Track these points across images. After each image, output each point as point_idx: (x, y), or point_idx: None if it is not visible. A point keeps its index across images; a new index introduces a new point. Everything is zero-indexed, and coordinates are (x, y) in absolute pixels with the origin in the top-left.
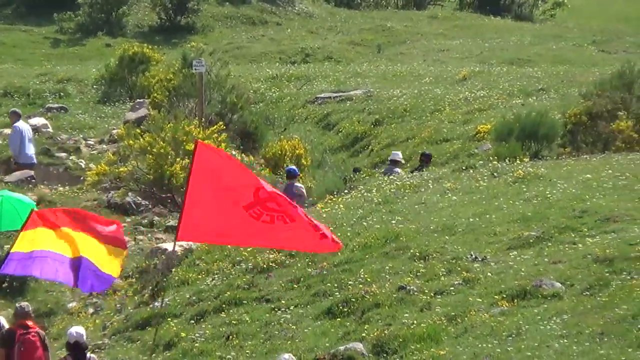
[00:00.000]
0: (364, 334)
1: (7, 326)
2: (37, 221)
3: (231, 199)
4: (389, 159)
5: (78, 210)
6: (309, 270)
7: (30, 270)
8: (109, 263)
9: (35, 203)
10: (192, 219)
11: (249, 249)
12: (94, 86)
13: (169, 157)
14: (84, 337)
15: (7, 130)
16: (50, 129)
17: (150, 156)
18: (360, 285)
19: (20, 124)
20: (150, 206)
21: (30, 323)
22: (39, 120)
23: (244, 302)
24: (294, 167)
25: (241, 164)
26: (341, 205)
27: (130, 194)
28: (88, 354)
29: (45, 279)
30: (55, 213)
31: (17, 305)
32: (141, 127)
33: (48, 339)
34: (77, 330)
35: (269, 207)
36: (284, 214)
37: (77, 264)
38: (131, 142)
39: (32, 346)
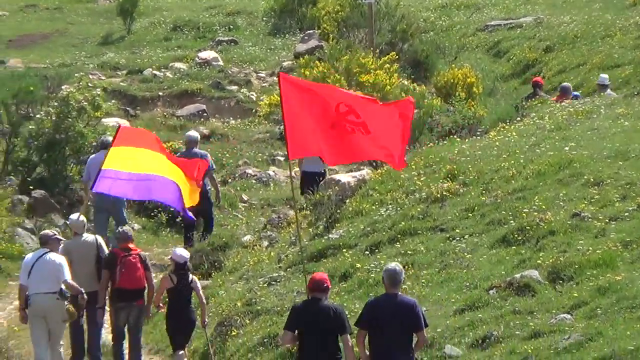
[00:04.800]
0: (539, 261)
1: (186, 257)
2: (125, 138)
3: (317, 121)
4: (597, 83)
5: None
6: (483, 198)
7: (124, 192)
8: (187, 193)
9: None
10: (295, 139)
11: (422, 179)
12: (264, 18)
13: (342, 87)
14: (188, 258)
15: (179, 64)
16: (220, 62)
17: None
18: (535, 213)
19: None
20: None
21: (131, 246)
22: (209, 54)
23: (419, 231)
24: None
25: (321, 84)
26: (514, 133)
27: None
28: (191, 276)
29: (139, 199)
30: (141, 134)
31: (120, 229)
32: (312, 57)
33: (149, 260)
34: (183, 252)
35: (349, 120)
36: (361, 127)
37: (164, 182)
38: (306, 72)
39: (133, 267)
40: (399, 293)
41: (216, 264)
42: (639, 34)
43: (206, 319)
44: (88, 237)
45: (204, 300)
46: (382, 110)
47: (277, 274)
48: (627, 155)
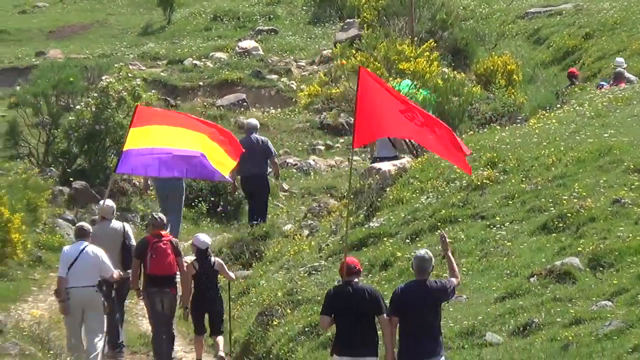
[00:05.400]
0: (579, 249)
1: (208, 243)
2: (144, 118)
3: (391, 108)
4: (616, 66)
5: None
6: (523, 186)
7: (146, 170)
8: (220, 163)
9: None
10: (363, 127)
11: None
12: (304, 7)
13: (382, 76)
14: (210, 243)
15: (219, 54)
16: (260, 52)
17: None
18: (575, 200)
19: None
20: None
21: (163, 232)
22: (249, 44)
23: (459, 219)
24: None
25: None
26: (554, 120)
27: (342, 114)
28: (213, 258)
29: (163, 176)
30: (159, 113)
31: (153, 215)
32: (352, 46)
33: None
34: (204, 238)
35: (417, 116)
36: (428, 126)
37: (191, 155)
38: (344, 61)
39: (163, 253)
40: (429, 279)
41: (257, 253)
42: None
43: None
44: (115, 223)
45: (232, 275)
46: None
47: (317, 264)
48: None
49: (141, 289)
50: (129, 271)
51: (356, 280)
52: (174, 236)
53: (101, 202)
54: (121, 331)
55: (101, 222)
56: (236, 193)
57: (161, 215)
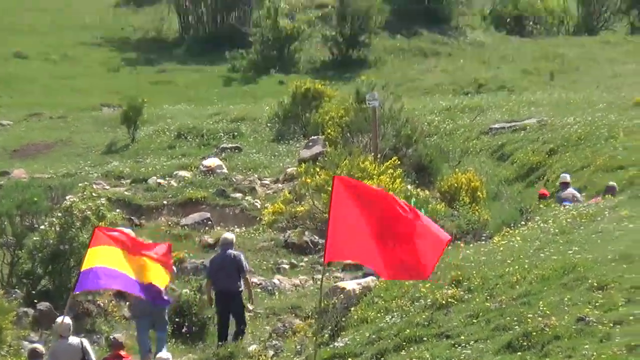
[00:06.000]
0: None
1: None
2: (101, 239)
3: (364, 227)
4: (560, 182)
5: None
6: (488, 304)
7: (101, 284)
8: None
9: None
10: (335, 242)
11: (426, 286)
12: (268, 124)
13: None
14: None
15: (183, 172)
16: (224, 170)
17: (326, 195)
18: (540, 318)
19: None
20: None
21: (123, 353)
22: (213, 162)
23: (424, 339)
24: None
25: (376, 190)
26: (518, 238)
27: (307, 232)
28: None
29: (118, 289)
30: (115, 236)
31: (111, 336)
32: (317, 164)
33: None
34: (166, 355)
35: (392, 231)
36: (403, 238)
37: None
38: (308, 179)
39: None
40: None
41: None
42: None
43: None
44: (73, 340)
45: None
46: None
47: None
48: (632, 258)
49: None
50: None
51: None
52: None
53: (58, 319)
54: None
55: (59, 340)
56: (212, 306)
57: (119, 335)
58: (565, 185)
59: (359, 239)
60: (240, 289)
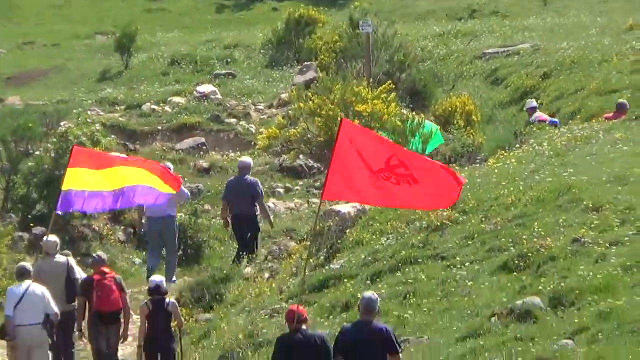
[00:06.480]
0: (540, 288)
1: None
2: (80, 159)
3: (367, 166)
4: (526, 108)
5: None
6: (483, 226)
7: (83, 207)
8: (162, 186)
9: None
10: (335, 181)
11: None
12: (261, 51)
13: (339, 118)
14: (163, 283)
15: (177, 98)
16: (219, 96)
17: (319, 118)
18: (535, 239)
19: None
20: (322, 168)
21: (106, 269)
22: (207, 88)
23: (419, 260)
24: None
25: (379, 136)
26: (513, 160)
27: (301, 156)
28: (167, 299)
29: (102, 210)
30: (93, 156)
31: (94, 254)
32: (310, 89)
33: (124, 282)
34: (154, 277)
35: (397, 172)
36: (409, 178)
37: (133, 190)
38: (301, 104)
39: (108, 290)
40: (373, 320)
41: (217, 296)
42: (636, 58)
43: (181, 335)
44: (59, 257)
45: (182, 320)
46: (432, 165)
47: (278, 306)
48: (626, 180)
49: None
50: (74, 304)
51: (304, 327)
52: (169, 276)
53: (44, 238)
54: None
55: (45, 257)
56: (141, 230)
57: (101, 253)
58: (532, 109)
59: (360, 180)
60: (256, 213)
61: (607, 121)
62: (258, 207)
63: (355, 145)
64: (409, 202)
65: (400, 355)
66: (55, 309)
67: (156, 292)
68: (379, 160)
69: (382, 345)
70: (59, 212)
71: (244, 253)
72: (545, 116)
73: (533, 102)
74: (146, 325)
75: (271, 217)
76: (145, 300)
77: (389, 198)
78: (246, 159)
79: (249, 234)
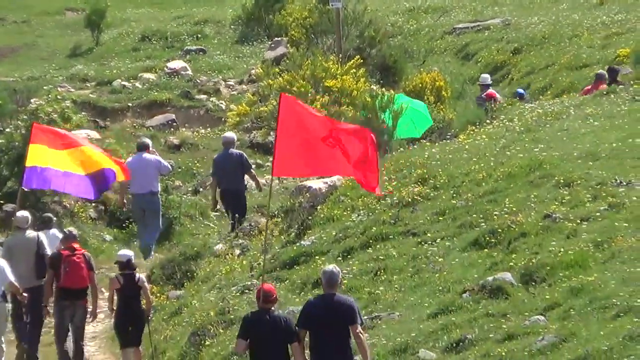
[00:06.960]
0: (511, 264)
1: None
2: (40, 137)
3: (311, 136)
4: (480, 83)
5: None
6: (454, 202)
7: (50, 185)
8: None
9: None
10: (283, 157)
11: (393, 184)
12: (232, 26)
13: (309, 94)
14: (133, 258)
15: (148, 75)
16: (189, 72)
17: (290, 95)
18: (506, 215)
19: None
20: None
21: (76, 246)
22: (178, 64)
23: (390, 236)
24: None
25: (318, 111)
26: (483, 136)
27: (272, 133)
28: (137, 275)
29: (68, 192)
30: (52, 135)
31: (65, 230)
32: (280, 65)
33: (93, 260)
34: (126, 252)
35: (340, 139)
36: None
37: (88, 178)
38: (270, 81)
39: (77, 266)
40: (336, 293)
41: (188, 273)
42: (607, 33)
43: (150, 313)
44: (30, 233)
45: (150, 297)
46: (356, 136)
47: (249, 283)
48: (597, 155)
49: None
50: (44, 279)
51: (272, 308)
52: (147, 253)
53: (17, 213)
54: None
55: (16, 232)
56: (125, 208)
57: (72, 229)
58: (485, 87)
59: (305, 154)
60: (244, 186)
61: (587, 95)
62: (249, 177)
63: (297, 117)
64: (347, 169)
65: (359, 327)
66: (11, 278)
67: (127, 267)
68: (323, 129)
69: (346, 317)
70: (25, 188)
71: (239, 223)
72: (495, 93)
73: (488, 79)
74: (115, 298)
75: (260, 184)
76: (116, 274)
77: (337, 165)
78: (230, 133)
79: (239, 210)
